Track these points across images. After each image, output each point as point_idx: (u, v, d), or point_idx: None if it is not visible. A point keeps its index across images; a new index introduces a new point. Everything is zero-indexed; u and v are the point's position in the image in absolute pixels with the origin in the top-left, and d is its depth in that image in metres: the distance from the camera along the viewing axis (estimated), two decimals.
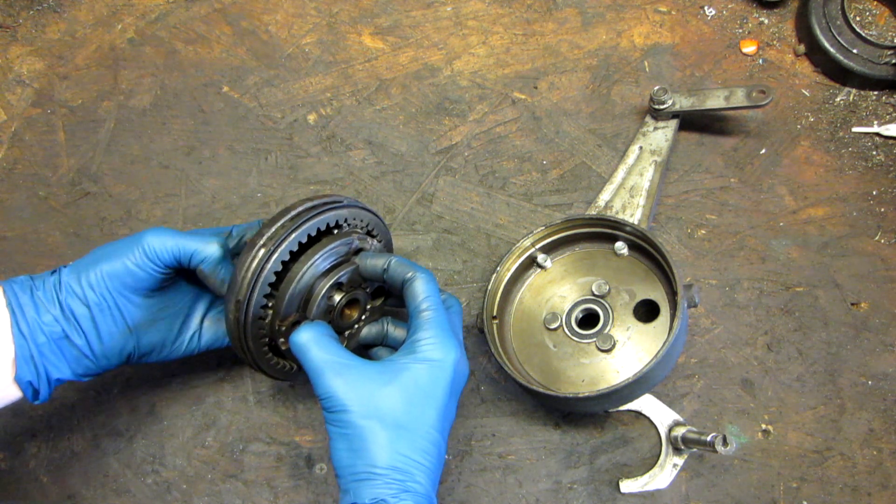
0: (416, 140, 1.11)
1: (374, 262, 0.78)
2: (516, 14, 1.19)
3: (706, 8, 1.18)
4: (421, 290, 0.74)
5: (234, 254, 0.82)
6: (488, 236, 1.05)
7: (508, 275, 0.96)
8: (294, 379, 0.85)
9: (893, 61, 1.06)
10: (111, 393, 0.97)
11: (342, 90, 1.14)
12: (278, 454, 0.94)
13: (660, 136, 1.05)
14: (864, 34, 1.07)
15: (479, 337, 0.98)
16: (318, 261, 0.76)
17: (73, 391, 0.97)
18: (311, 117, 1.13)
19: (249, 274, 0.72)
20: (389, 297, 0.87)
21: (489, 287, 0.94)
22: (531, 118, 1.12)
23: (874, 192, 1.05)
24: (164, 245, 0.76)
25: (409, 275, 0.75)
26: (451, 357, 0.72)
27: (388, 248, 0.89)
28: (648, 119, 1.07)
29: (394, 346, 0.86)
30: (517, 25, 1.18)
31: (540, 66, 1.15)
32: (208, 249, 0.77)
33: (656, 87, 1.03)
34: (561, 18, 1.18)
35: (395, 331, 0.85)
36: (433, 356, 0.71)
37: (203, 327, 0.86)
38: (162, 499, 0.92)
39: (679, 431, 0.89)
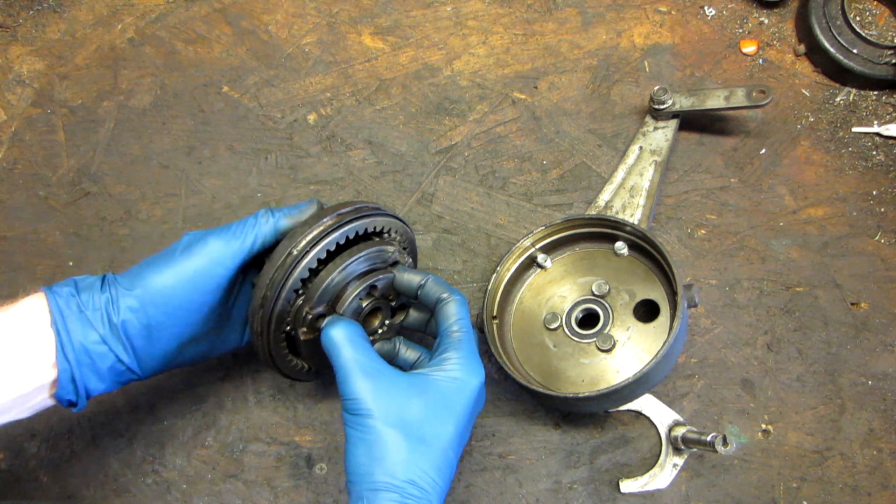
0: (416, 140, 1.11)
1: (410, 278, 0.79)
2: (516, 14, 1.19)
3: (706, 8, 1.18)
4: (454, 312, 0.76)
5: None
6: (488, 236, 1.05)
7: (508, 275, 0.96)
8: (295, 378, 0.85)
9: (893, 61, 1.06)
10: (111, 393, 0.97)
11: (342, 90, 1.14)
12: (278, 454, 0.94)
13: (660, 136, 1.05)
14: (864, 34, 1.07)
15: (479, 337, 0.97)
16: (359, 260, 0.76)
17: None
18: (311, 117, 1.13)
19: (291, 257, 0.72)
20: (408, 317, 0.87)
21: (489, 287, 0.94)
22: (531, 118, 1.12)
23: (874, 192, 1.05)
24: (226, 246, 0.74)
25: (445, 296, 0.77)
26: (476, 379, 0.73)
27: (413, 264, 0.90)
28: (648, 119, 1.07)
29: (402, 367, 0.85)
30: (517, 25, 1.18)
31: (540, 66, 1.15)
32: (264, 228, 0.76)
33: (656, 87, 1.03)
34: (561, 18, 1.18)
35: (406, 352, 0.85)
36: (461, 376, 0.72)
37: (246, 328, 0.85)
38: (162, 499, 0.92)
39: (679, 431, 0.89)
